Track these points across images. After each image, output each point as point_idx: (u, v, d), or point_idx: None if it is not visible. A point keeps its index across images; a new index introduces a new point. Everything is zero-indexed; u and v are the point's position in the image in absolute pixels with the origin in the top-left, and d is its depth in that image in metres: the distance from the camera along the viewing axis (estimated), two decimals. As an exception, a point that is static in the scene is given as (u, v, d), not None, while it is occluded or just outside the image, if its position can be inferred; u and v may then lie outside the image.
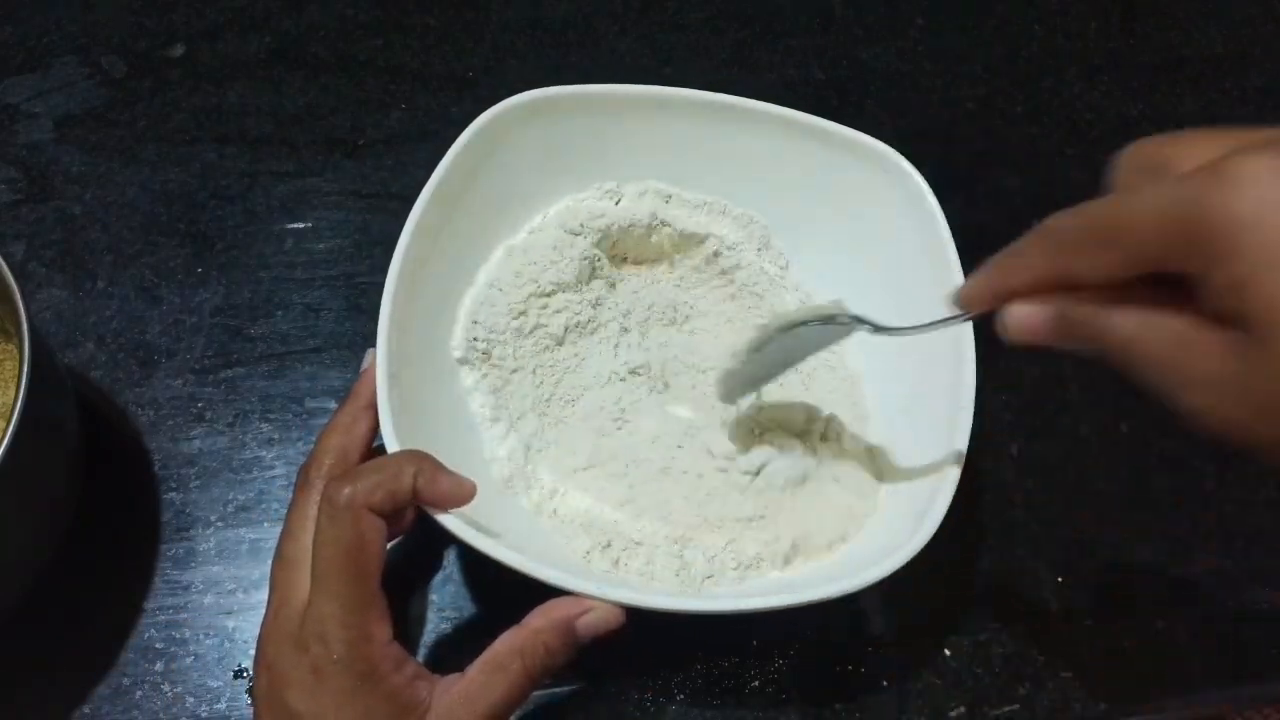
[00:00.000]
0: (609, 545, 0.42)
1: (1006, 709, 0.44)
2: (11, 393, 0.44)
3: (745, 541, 0.42)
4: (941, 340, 0.41)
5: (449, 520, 0.36)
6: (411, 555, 0.46)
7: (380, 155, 0.58)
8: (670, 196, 0.50)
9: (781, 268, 0.51)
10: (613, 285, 0.49)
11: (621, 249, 0.50)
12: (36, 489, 0.40)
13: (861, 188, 0.47)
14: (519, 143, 0.47)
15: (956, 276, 0.42)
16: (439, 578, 0.45)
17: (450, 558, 0.46)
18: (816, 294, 0.50)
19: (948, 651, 0.45)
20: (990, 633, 0.45)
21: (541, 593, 0.36)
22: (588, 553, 0.41)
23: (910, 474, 0.42)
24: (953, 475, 0.39)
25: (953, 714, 0.44)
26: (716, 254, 0.50)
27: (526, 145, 0.47)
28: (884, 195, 0.47)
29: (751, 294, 0.50)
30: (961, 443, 0.39)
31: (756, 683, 0.44)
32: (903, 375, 0.45)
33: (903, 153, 0.47)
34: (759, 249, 0.50)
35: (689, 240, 0.50)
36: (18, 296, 0.39)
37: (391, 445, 0.37)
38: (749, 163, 0.49)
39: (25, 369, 0.37)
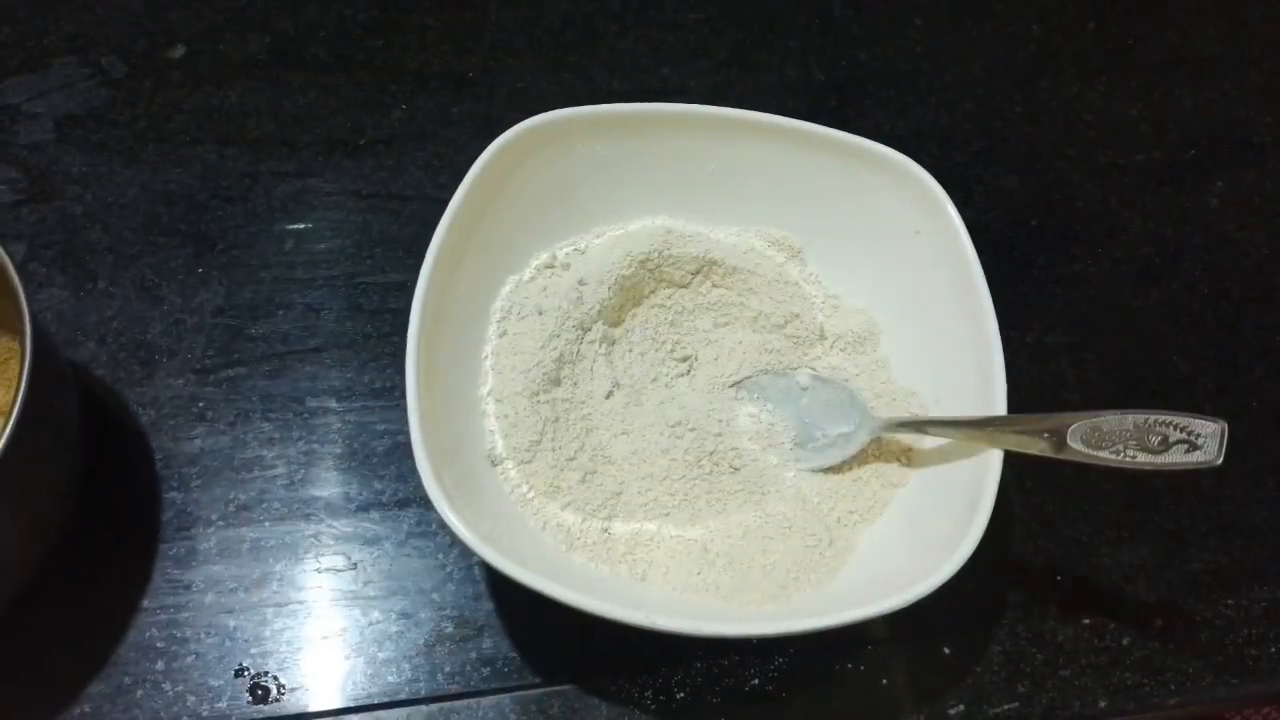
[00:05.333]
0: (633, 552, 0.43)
1: (1005, 707, 0.44)
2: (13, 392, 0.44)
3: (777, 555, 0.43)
4: (969, 375, 0.43)
5: (493, 556, 0.36)
6: (411, 555, 0.46)
7: (380, 155, 0.58)
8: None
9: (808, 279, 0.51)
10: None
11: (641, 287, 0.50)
12: (36, 486, 0.40)
13: (881, 200, 0.48)
14: (536, 165, 0.47)
15: (978, 280, 0.44)
16: (439, 578, 0.45)
17: (450, 558, 0.46)
18: (842, 304, 0.50)
19: (947, 650, 0.45)
20: (989, 631, 0.46)
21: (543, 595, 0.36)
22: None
23: (940, 491, 0.43)
24: (990, 488, 0.39)
25: (952, 712, 0.44)
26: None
27: (544, 167, 0.47)
28: (904, 206, 0.47)
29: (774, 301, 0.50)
30: (996, 463, 0.40)
31: (756, 681, 0.44)
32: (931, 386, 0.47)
33: (902, 153, 0.47)
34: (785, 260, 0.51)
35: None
36: (20, 293, 0.39)
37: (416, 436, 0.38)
38: (770, 176, 0.49)
39: (27, 366, 0.37)
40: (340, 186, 0.57)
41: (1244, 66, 0.65)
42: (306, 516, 0.47)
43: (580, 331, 0.47)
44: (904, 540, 0.43)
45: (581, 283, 0.47)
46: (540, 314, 0.46)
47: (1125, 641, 0.45)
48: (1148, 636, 0.45)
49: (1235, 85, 0.64)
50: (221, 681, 0.43)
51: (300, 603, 0.45)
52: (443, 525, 0.37)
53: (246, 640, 0.44)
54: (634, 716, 0.43)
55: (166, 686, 0.43)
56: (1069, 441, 0.38)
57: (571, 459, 0.44)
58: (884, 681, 0.44)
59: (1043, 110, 0.63)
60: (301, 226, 0.55)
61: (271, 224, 0.55)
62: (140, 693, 0.42)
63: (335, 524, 0.46)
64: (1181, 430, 0.37)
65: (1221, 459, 0.36)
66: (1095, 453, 0.38)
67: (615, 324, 0.49)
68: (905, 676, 0.44)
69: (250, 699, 0.42)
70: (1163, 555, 0.48)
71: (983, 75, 0.64)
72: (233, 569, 0.45)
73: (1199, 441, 0.36)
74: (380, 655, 0.44)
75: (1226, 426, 0.36)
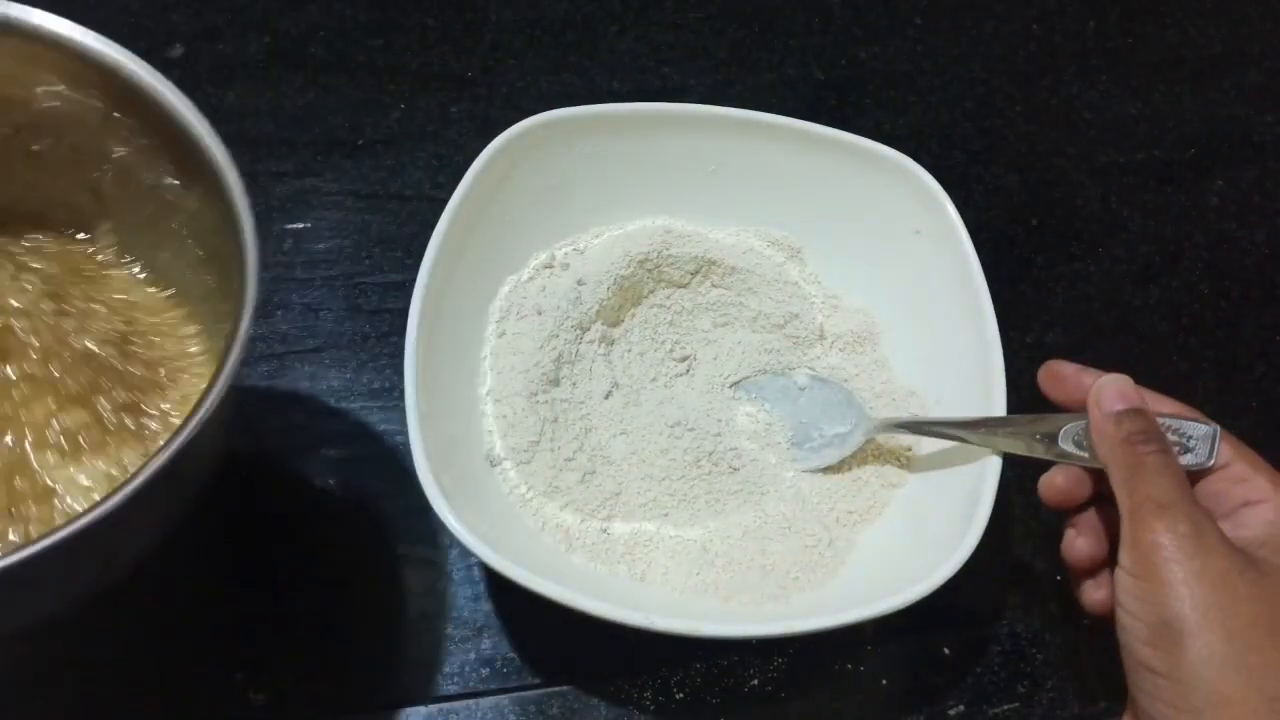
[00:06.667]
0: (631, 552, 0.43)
1: (1005, 707, 0.44)
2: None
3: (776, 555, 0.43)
4: (969, 375, 0.44)
5: (485, 552, 0.36)
6: (410, 556, 0.46)
7: (379, 155, 0.58)
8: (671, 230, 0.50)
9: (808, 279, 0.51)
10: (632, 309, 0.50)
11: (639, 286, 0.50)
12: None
13: (881, 200, 0.48)
14: (536, 165, 0.47)
15: (978, 279, 0.44)
16: (439, 578, 0.45)
17: (449, 558, 0.46)
18: (842, 303, 0.50)
19: (947, 650, 0.45)
20: (989, 631, 0.45)
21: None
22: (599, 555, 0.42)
23: (938, 496, 0.43)
24: (990, 488, 0.40)
25: (951, 712, 0.44)
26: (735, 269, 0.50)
27: (543, 167, 0.47)
28: (904, 206, 0.47)
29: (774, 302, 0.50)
30: (996, 463, 0.40)
31: (756, 681, 0.44)
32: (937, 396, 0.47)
33: (902, 152, 0.47)
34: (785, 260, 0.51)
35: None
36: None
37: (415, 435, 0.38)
38: (770, 176, 0.49)
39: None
40: (339, 186, 0.57)
41: (1244, 65, 0.65)
42: (305, 517, 0.47)
43: (579, 331, 0.47)
44: (904, 540, 0.43)
45: (580, 283, 0.47)
46: (539, 314, 0.46)
47: (1125, 641, 0.45)
48: (1148, 636, 0.45)
49: (1235, 84, 0.64)
50: (217, 682, 0.43)
51: (299, 603, 0.44)
52: (441, 526, 0.37)
53: (244, 640, 0.44)
54: (633, 717, 0.43)
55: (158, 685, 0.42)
56: (1060, 443, 0.38)
57: (570, 459, 0.44)
58: (884, 681, 0.44)
59: (1042, 109, 0.63)
60: (300, 226, 0.55)
61: (270, 224, 0.55)
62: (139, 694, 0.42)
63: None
64: (1173, 433, 0.37)
65: (1213, 461, 0.36)
66: (1086, 454, 0.38)
67: (614, 324, 0.49)
68: (905, 676, 0.44)
69: (247, 700, 0.42)
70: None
71: (982, 74, 0.64)
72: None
73: (1190, 444, 0.37)
74: (379, 656, 0.43)
75: (1219, 430, 0.36)
